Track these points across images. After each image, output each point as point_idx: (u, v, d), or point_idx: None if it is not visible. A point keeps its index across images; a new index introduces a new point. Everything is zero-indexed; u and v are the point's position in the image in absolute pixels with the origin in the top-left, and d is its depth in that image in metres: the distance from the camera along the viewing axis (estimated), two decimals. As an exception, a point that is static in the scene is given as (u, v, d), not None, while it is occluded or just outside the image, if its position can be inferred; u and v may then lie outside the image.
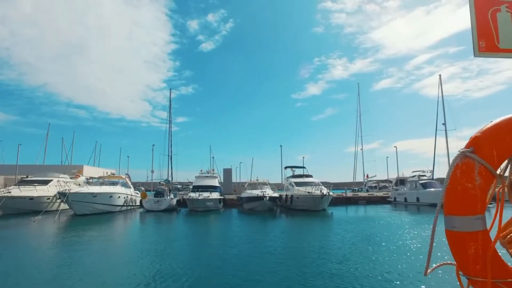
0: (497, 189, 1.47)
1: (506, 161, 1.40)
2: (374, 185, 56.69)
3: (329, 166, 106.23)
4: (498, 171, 1.35)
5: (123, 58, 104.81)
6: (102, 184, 26.17)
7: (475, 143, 1.38)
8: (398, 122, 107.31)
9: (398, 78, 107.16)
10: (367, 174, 57.33)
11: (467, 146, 1.39)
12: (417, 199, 33.11)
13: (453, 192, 1.38)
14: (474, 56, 1.18)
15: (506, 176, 1.42)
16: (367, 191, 49.60)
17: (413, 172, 44.26)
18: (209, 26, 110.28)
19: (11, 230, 16.17)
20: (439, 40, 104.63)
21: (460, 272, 1.36)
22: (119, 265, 8.70)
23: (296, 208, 26.16)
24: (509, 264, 1.37)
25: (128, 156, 63.89)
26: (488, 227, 1.34)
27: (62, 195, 21.92)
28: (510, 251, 1.37)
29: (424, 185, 33.96)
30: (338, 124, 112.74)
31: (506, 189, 1.45)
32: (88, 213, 22.30)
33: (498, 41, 1.19)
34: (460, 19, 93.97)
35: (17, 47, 76.20)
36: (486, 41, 1.18)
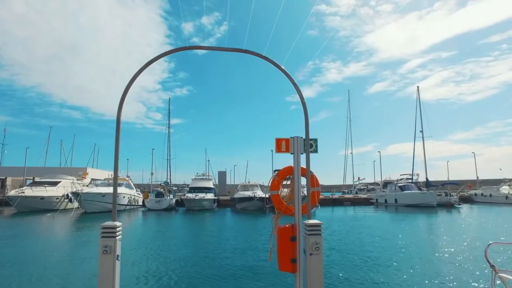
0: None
1: (288, 177, 4.40)
2: (363, 187, 59.58)
3: (323, 169, 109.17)
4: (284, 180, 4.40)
5: (116, 59, 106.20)
6: (109, 185, 29.01)
7: (278, 173, 4.41)
8: (392, 125, 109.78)
9: (392, 82, 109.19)
10: (358, 177, 60.27)
11: (276, 174, 4.42)
12: (395, 200, 36.31)
13: (272, 184, 4.39)
14: (275, 152, 4.16)
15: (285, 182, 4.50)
16: (356, 193, 52.61)
17: (400, 175, 47.60)
18: (203, 29, 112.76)
19: (40, 224, 19.03)
20: (432, 44, 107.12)
21: (276, 210, 4.39)
22: (127, 255, 11.52)
23: (283, 207, 29.20)
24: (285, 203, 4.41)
25: (127, 159, 66.18)
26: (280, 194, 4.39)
27: (75, 195, 24.70)
28: (285, 201, 4.39)
29: (402, 188, 37.20)
30: (332, 127, 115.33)
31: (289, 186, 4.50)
32: (97, 211, 25.10)
33: (281, 148, 4.21)
34: (451, 25, 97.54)
35: (9, 47, 77.02)
36: (279, 148, 4.19)
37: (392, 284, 6.72)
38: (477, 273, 7.42)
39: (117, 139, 3.19)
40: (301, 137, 4.19)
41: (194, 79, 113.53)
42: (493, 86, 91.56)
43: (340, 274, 7.46)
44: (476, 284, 6.61)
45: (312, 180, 4.29)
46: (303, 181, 4.23)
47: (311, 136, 4.27)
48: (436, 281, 6.89)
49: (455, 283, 6.73)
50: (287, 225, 3.95)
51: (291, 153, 4.16)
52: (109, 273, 2.86)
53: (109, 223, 3.00)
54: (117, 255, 2.96)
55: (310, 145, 4.20)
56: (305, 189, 4.36)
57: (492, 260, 2.77)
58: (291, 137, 4.19)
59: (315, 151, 4.26)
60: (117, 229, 2.98)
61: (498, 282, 2.74)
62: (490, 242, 3.11)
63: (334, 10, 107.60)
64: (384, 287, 6.55)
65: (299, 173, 4.09)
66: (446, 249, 10.48)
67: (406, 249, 10.63)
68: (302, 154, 4.18)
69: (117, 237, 2.96)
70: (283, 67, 4.10)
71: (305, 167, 4.17)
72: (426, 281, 6.87)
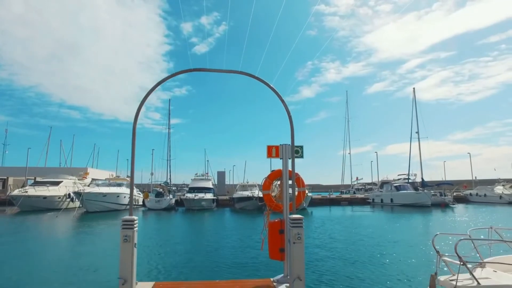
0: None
1: (277, 178, 5.06)
2: (360, 187, 60.17)
3: (322, 169, 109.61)
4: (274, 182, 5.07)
5: (116, 59, 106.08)
6: (109, 185, 29.62)
7: (269, 175, 5.08)
8: (391, 125, 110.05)
9: (391, 82, 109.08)
10: (356, 177, 60.89)
11: (268, 176, 5.09)
12: (391, 200, 37.05)
13: (264, 185, 5.08)
14: (267, 157, 4.79)
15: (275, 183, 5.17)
16: (354, 193, 53.32)
17: (398, 175, 48.32)
18: (202, 29, 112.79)
19: (45, 223, 19.64)
20: (431, 45, 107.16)
21: (268, 207, 5.06)
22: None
23: (280, 207, 29.94)
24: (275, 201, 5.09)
25: (127, 160, 66.67)
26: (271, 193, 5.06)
27: (77, 195, 25.30)
28: (274, 200, 5.05)
29: (398, 188, 37.95)
30: (331, 127, 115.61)
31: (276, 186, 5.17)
32: (98, 211, 25.70)
33: (272, 154, 4.88)
34: (450, 25, 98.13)
35: (8, 47, 77.09)
36: (269, 154, 4.87)
37: (364, 273, 7.60)
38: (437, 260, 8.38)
39: (133, 148, 3.85)
40: (289, 144, 4.85)
41: (193, 79, 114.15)
42: (492, 86, 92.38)
43: (323, 266, 8.24)
44: (426, 267, 7.78)
45: (298, 181, 4.96)
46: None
47: (298, 143, 4.94)
48: (395, 267, 7.99)
49: (410, 268, 7.87)
50: (276, 220, 4.62)
51: (280, 158, 4.82)
52: (128, 258, 3.52)
53: (128, 217, 3.66)
54: (135, 243, 3.63)
55: (296, 152, 4.87)
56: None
57: (438, 247, 3.42)
58: (280, 144, 4.86)
59: (301, 156, 4.93)
60: (135, 222, 3.65)
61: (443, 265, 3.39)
62: (437, 233, 3.76)
63: (333, 10, 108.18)
64: (357, 276, 7.29)
65: (287, 175, 4.75)
66: (421, 243, 11.25)
67: (390, 245, 11.33)
68: (290, 159, 4.84)
69: (134, 228, 3.62)
70: (272, 85, 4.76)
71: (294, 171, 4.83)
72: (393, 271, 7.70)
